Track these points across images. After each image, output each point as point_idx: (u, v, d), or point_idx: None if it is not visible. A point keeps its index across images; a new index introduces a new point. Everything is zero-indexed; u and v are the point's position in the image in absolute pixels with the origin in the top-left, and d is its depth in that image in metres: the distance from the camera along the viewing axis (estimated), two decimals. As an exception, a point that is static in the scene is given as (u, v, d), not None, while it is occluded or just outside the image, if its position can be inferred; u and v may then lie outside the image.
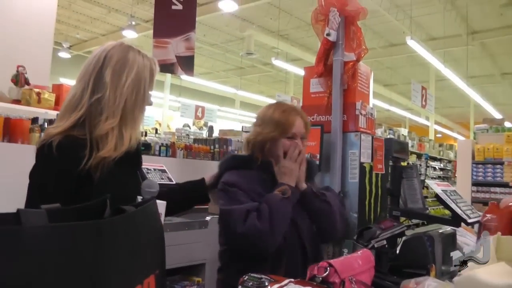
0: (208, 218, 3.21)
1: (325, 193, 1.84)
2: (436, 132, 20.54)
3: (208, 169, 4.59)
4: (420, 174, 8.38)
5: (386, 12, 10.61)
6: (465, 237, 2.13)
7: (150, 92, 1.55)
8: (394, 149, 1.92)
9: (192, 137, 10.00)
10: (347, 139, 2.84)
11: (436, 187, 1.73)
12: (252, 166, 1.85)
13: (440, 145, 12.49)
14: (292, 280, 0.97)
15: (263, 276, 1.01)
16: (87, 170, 1.34)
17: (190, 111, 11.73)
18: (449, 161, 11.90)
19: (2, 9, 5.24)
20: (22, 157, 3.03)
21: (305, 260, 1.72)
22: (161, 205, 1.48)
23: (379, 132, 8.85)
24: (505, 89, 18.14)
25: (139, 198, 1.41)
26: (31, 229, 0.50)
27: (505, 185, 5.68)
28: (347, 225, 2.62)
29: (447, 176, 11.58)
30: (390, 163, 2.41)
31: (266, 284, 0.95)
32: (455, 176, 11.06)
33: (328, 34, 2.85)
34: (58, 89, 4.94)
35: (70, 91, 1.45)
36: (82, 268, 0.53)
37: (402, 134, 9.86)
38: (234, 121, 19.79)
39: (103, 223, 0.58)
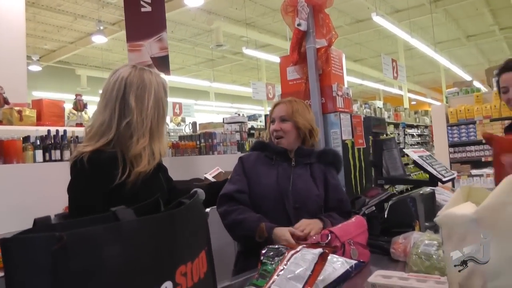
0: (208, 209, 3.36)
1: (332, 222, 1.87)
2: (410, 100, 20.97)
3: (197, 164, 4.78)
4: (399, 143, 8.68)
5: (349, -10, 10.81)
6: (443, 195, 2.36)
7: (167, 107, 1.70)
8: (373, 125, 2.11)
9: (172, 134, 10.10)
10: (327, 120, 3.04)
11: (413, 154, 1.93)
12: (264, 148, 2.16)
13: (416, 112, 12.80)
14: (305, 245, 1.16)
15: (280, 245, 1.20)
16: (121, 183, 1.49)
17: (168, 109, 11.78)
18: (426, 127, 12.22)
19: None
20: (19, 176, 3.17)
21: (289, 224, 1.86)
22: None
23: (355, 107, 9.08)
24: (471, 51, 18.62)
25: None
26: (127, 223, 0.69)
27: (479, 143, 5.96)
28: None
29: (425, 141, 11.92)
30: (371, 138, 2.62)
31: (284, 251, 1.14)
32: (433, 140, 11.40)
33: (298, 25, 3.03)
34: (38, 104, 4.99)
35: (98, 116, 1.58)
36: (164, 246, 0.71)
37: (378, 107, 10.10)
38: (211, 113, 19.89)
39: (175, 212, 0.77)
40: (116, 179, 1.47)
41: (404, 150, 2.25)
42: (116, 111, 1.54)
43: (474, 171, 6.04)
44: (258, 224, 1.82)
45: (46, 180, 3.18)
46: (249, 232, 1.83)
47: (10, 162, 3.51)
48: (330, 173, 2.09)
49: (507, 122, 5.45)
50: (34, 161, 3.40)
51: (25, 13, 6.14)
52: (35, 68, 13.45)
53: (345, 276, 1.23)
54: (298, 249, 1.14)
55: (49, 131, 3.61)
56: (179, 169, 4.32)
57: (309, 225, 1.77)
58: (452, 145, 6.34)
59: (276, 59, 13.27)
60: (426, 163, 1.88)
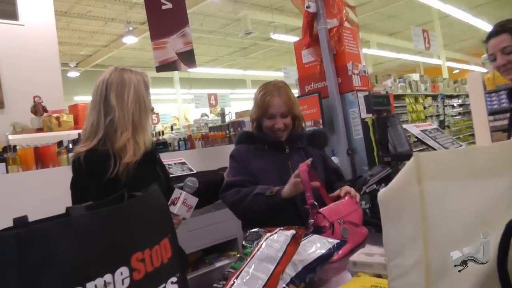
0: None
1: None
2: (452, 69, 20.23)
3: (227, 153, 4.83)
4: (439, 115, 8.38)
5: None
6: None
7: (150, 100, 1.82)
8: (374, 103, 2.09)
9: (211, 125, 10.23)
10: (345, 100, 3.03)
11: (415, 129, 1.89)
12: (253, 140, 2.16)
13: (455, 82, 12.34)
14: (281, 228, 1.19)
15: (259, 229, 1.24)
16: (115, 175, 1.64)
17: (204, 101, 11.95)
18: (467, 95, 11.74)
19: (7, 49, 5.59)
20: (55, 179, 3.35)
21: (300, 220, 1.81)
22: (194, 200, 1.78)
23: (389, 82, 8.88)
24: (512, 11, 17.71)
25: (179, 191, 1.69)
26: (76, 217, 0.78)
27: (521, 108, 5.70)
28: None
29: (468, 111, 11.46)
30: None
31: (262, 234, 1.17)
32: (476, 110, 10.94)
33: (308, 7, 3.02)
34: (74, 109, 5.21)
35: (88, 119, 1.76)
36: (114, 236, 0.79)
37: (413, 80, 9.80)
38: (249, 100, 19.87)
39: (122, 206, 0.86)
40: (109, 172, 1.61)
41: (404, 126, 2.18)
42: (101, 111, 1.70)
43: (517, 139, 5.80)
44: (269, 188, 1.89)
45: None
46: (261, 192, 1.88)
47: (47, 166, 3.72)
48: (326, 154, 2.16)
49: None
50: (69, 164, 3.58)
51: (59, 23, 6.42)
52: (73, 74, 13.91)
53: (326, 256, 1.23)
54: (274, 231, 1.17)
55: (79, 134, 3.77)
56: (209, 160, 4.39)
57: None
58: (491, 113, 6.09)
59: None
60: (429, 137, 1.84)
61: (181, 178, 2.30)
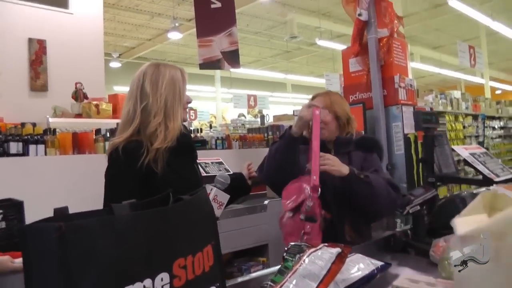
0: (266, 202, 3.42)
1: (368, 176, 1.87)
2: (495, 89, 19.65)
3: (263, 156, 4.83)
4: (478, 136, 8.16)
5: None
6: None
7: (185, 91, 1.83)
8: (423, 120, 2.03)
9: (248, 126, 10.25)
10: (389, 113, 2.96)
11: (464, 151, 1.82)
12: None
13: (498, 103, 11.90)
14: (326, 244, 1.16)
15: (302, 243, 1.21)
16: (147, 166, 1.63)
17: (243, 101, 11.98)
18: (510, 118, 11.35)
19: (57, 36, 5.77)
20: (91, 166, 3.41)
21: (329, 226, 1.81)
22: (225, 197, 1.77)
23: (430, 98, 8.67)
24: None
25: (209, 187, 1.69)
26: (121, 217, 0.76)
27: None
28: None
29: (510, 134, 11.09)
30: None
31: (305, 249, 1.15)
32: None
33: (359, 15, 2.97)
34: (114, 98, 5.31)
35: (124, 108, 1.78)
36: (157, 240, 0.77)
37: (455, 97, 9.54)
38: (287, 105, 19.86)
39: (168, 209, 0.84)
40: (141, 159, 1.61)
41: (453, 147, 2.12)
42: (137, 99, 1.72)
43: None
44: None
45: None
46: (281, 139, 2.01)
47: (83, 152, 3.79)
48: (367, 159, 2.07)
49: None
50: (105, 152, 3.65)
51: (106, 14, 6.57)
52: (115, 64, 14.20)
53: (369, 278, 1.19)
54: (318, 247, 1.14)
55: (117, 124, 3.83)
56: (245, 161, 4.39)
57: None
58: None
59: (349, 49, 12.95)
60: (478, 161, 1.77)
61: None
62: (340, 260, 1.08)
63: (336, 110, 2.11)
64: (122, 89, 13.76)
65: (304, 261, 1.08)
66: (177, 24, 11.35)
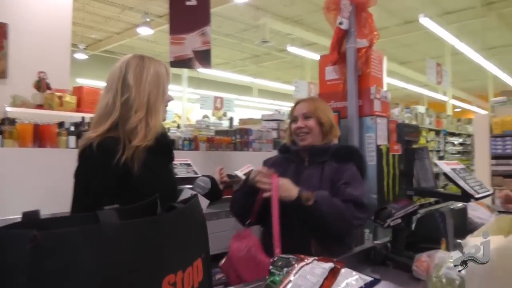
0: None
1: (317, 201, 1.81)
2: (454, 106, 20.32)
3: (231, 160, 4.78)
4: (439, 151, 8.41)
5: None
6: (477, 211, 2.24)
7: (168, 89, 1.74)
8: (406, 132, 2.03)
9: (212, 127, 10.19)
10: (363, 123, 2.96)
11: (445, 166, 1.84)
12: (285, 150, 2.24)
13: (459, 120, 12.36)
14: (317, 258, 1.12)
15: (290, 256, 1.16)
16: (124, 164, 1.51)
17: (209, 102, 11.92)
18: (468, 136, 11.78)
19: (20, 21, 5.51)
20: (52, 160, 3.26)
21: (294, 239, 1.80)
22: (205, 202, 1.70)
23: (396, 111, 8.86)
24: (524, 59, 17.83)
25: (189, 191, 1.60)
26: (108, 226, 0.65)
27: (524, 157, 5.70)
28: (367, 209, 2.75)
29: (467, 151, 11.48)
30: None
31: (293, 262, 1.10)
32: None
33: (340, 23, 2.96)
34: (79, 91, 5.12)
35: (102, 100, 1.63)
36: (147, 254, 0.68)
37: (420, 112, 9.80)
38: (253, 109, 19.93)
39: (160, 218, 0.74)
40: (116, 156, 1.49)
41: (436, 161, 2.14)
42: (118, 91, 1.59)
43: (517, 185, 5.77)
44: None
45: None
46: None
47: (44, 146, 3.61)
48: (340, 170, 2.00)
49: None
50: (67, 146, 3.49)
51: (76, 3, 6.34)
52: (81, 56, 13.82)
53: None
54: (308, 261, 1.09)
55: (83, 117, 3.68)
56: (213, 164, 4.30)
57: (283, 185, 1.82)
58: (494, 157, 6.09)
59: (320, 58, 13.08)
60: (459, 176, 1.78)
61: (186, 180, 2.23)
62: (332, 275, 1.04)
63: (320, 116, 2.10)
64: (87, 82, 13.41)
65: (294, 275, 1.02)
66: (148, 20, 11.17)
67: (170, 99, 1.75)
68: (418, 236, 1.71)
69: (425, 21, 9.30)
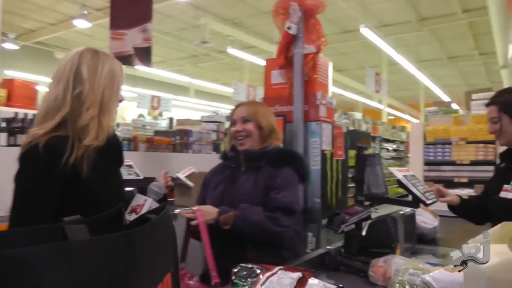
0: (177, 210, 3.26)
1: (235, 219, 1.84)
2: (388, 114, 21.21)
3: (171, 161, 4.66)
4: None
5: (340, 0, 10.82)
6: (423, 216, 2.31)
7: (121, 88, 1.63)
8: (358, 139, 2.06)
9: (148, 127, 9.94)
10: (308, 128, 2.97)
11: (398, 173, 1.88)
12: (225, 157, 2.23)
13: (393, 127, 12.91)
14: (282, 267, 1.07)
15: (254, 265, 1.11)
16: (72, 165, 1.38)
17: (146, 101, 11.63)
18: (402, 142, 12.33)
19: None
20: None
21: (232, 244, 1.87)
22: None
23: (335, 117, 9.07)
24: (452, 72, 18.90)
25: (142, 197, 1.51)
26: (78, 243, 0.56)
27: (453, 163, 6.00)
28: (308, 212, 2.77)
29: (400, 157, 12.00)
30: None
31: (258, 272, 1.04)
32: (407, 156, 11.47)
33: (289, 28, 2.95)
34: (9, 84, 4.82)
35: (50, 94, 1.49)
36: (119, 272, 0.60)
37: (357, 118, 10.13)
38: (190, 109, 19.71)
39: (136, 232, 0.65)
40: (64, 157, 1.37)
41: (389, 168, 2.20)
42: (69, 83, 1.46)
43: (446, 191, 6.07)
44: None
45: (9, 165, 3.02)
46: None
47: (-31, 142, 3.34)
48: (273, 175, 1.99)
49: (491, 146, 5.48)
50: (-3, 144, 3.25)
51: (6, -11, 5.91)
52: (10, 46, 13.04)
53: None
54: (274, 271, 1.05)
55: (16, 113, 3.44)
56: (152, 165, 4.19)
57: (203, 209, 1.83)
58: (427, 163, 6.37)
59: (260, 61, 13.20)
60: (411, 183, 1.83)
61: (128, 183, 2.12)
62: (300, 285, 1.00)
63: (259, 120, 2.08)
64: (16, 74, 12.68)
65: (261, 286, 0.97)
66: (85, 12, 10.73)
67: (122, 99, 1.64)
68: (370, 241, 1.73)
69: (366, 31, 9.60)
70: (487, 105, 2.22)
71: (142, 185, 1.95)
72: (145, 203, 1.57)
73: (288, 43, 3.00)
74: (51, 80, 1.53)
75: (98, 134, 1.46)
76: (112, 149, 1.56)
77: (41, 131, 1.40)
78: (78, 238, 0.58)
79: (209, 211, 1.84)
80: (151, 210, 0.76)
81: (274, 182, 1.97)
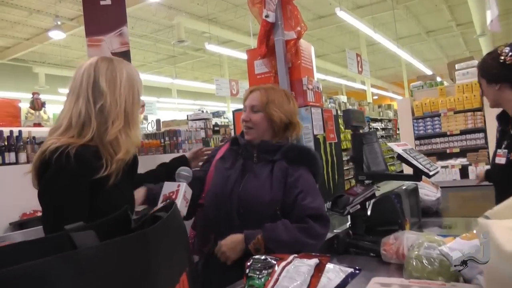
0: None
1: (267, 247, 1.64)
2: (372, 94, 21.29)
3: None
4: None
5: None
6: (425, 189, 2.30)
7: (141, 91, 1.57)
8: (353, 119, 2.01)
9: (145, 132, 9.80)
10: (299, 114, 2.94)
11: (397, 147, 1.84)
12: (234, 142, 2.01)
13: (379, 106, 12.95)
14: (296, 255, 1.04)
15: (267, 256, 1.07)
16: (99, 178, 1.34)
17: (131, 107, 11.51)
18: (389, 120, 12.39)
19: None
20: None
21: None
22: (190, 193, 1.56)
23: (321, 102, 9.09)
24: (431, 46, 19.03)
25: (175, 183, 1.47)
26: (87, 250, 0.52)
27: (443, 135, 6.03)
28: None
29: (389, 135, 12.07)
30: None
31: (273, 262, 1.01)
32: (397, 134, 11.53)
33: (266, 16, 2.92)
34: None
35: (71, 108, 1.42)
36: (133, 277, 0.56)
37: (342, 101, 10.13)
38: (174, 110, 19.58)
39: (148, 231, 0.60)
40: (100, 172, 1.31)
41: (389, 144, 2.16)
42: (90, 98, 1.39)
43: (439, 163, 6.09)
44: None
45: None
46: None
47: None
48: (291, 174, 1.80)
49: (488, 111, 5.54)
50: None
51: (-24, 7, 5.80)
52: (-14, 65, 12.84)
53: (342, 286, 1.08)
54: (289, 259, 1.01)
55: (1, 132, 3.36)
56: (145, 169, 4.13)
57: (228, 250, 1.64)
58: (418, 137, 6.39)
59: (239, 54, 13.15)
60: (411, 156, 1.80)
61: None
62: (318, 271, 0.97)
63: (270, 112, 1.84)
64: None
65: (278, 277, 0.94)
66: (59, 23, 10.56)
67: (143, 103, 1.59)
68: (375, 220, 1.71)
69: (342, 14, 9.58)
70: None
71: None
72: (179, 188, 1.48)
73: (268, 31, 2.97)
74: (67, 93, 1.46)
75: (129, 148, 1.42)
76: (134, 162, 1.52)
77: (69, 140, 1.34)
78: (87, 245, 0.54)
79: (234, 248, 1.64)
80: (160, 208, 0.72)
81: (296, 183, 1.78)
